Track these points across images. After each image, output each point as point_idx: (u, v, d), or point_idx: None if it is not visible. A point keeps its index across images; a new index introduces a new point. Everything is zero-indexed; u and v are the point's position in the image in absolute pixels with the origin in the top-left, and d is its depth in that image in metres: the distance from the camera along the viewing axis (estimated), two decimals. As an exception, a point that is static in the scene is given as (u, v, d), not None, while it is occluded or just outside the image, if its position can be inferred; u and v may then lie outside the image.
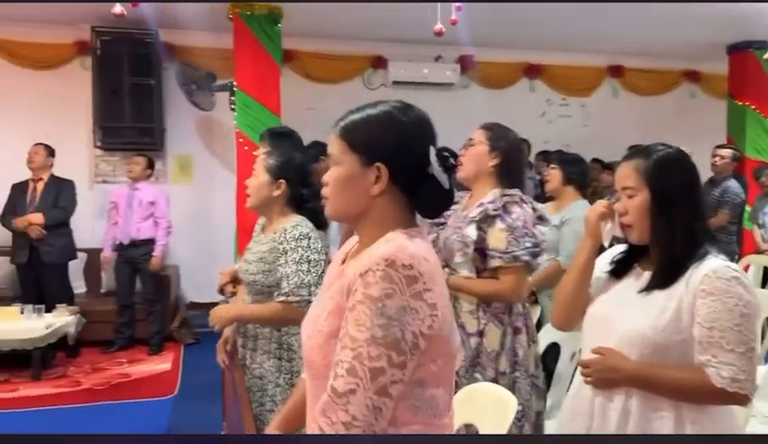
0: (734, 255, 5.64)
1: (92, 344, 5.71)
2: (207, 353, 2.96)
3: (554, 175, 3.79)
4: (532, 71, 7.63)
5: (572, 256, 3.50)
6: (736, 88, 7.34)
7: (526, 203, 2.40)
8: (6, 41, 6.29)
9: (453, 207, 2.44)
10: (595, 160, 6.88)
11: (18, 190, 5.64)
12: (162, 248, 5.84)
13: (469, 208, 2.45)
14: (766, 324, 3.70)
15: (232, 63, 5.78)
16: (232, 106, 5.95)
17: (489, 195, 2.42)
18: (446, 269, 2.37)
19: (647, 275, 1.70)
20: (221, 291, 2.85)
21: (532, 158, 6.91)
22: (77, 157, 6.46)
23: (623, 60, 7.79)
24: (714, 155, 5.70)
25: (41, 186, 5.60)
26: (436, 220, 2.46)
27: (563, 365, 2.89)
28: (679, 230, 1.65)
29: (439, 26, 4.28)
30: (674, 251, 1.65)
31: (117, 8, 3.83)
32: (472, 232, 2.35)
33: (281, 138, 3.56)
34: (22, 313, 5.11)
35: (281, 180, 2.49)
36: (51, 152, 5.67)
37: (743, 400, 1.56)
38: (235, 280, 2.75)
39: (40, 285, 5.59)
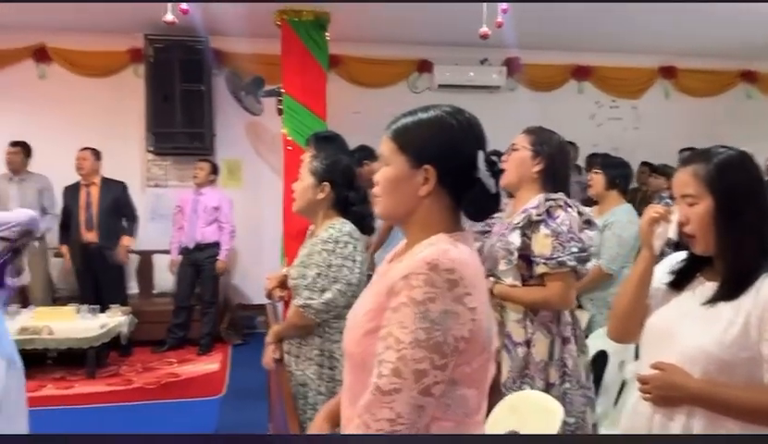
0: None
1: (143, 344, 5.87)
2: (254, 354, 3.00)
3: (597, 179, 3.75)
4: (580, 73, 7.49)
5: (613, 261, 3.49)
6: (795, 88, 7.08)
7: (571, 206, 2.33)
8: (64, 50, 6.51)
9: (498, 215, 2.40)
10: (644, 163, 6.73)
11: (70, 194, 5.82)
12: (227, 252, 6.02)
13: (513, 215, 2.40)
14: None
15: (279, 68, 5.85)
16: (279, 111, 6.02)
17: (532, 200, 2.35)
18: (491, 278, 2.33)
19: (710, 285, 1.59)
20: (269, 296, 2.89)
21: (580, 161, 6.79)
22: (130, 162, 6.64)
23: (675, 60, 7.56)
24: (771, 159, 5.51)
25: (95, 190, 5.78)
26: (481, 228, 2.43)
27: (610, 375, 2.83)
28: (747, 239, 1.53)
29: (484, 29, 4.23)
30: (742, 261, 1.53)
31: (169, 16, 3.91)
32: (516, 239, 2.29)
33: (327, 141, 3.59)
34: (78, 312, 5.29)
35: (326, 183, 2.50)
36: (98, 155, 5.84)
37: None
38: (283, 285, 2.77)
39: (97, 285, 5.77)
